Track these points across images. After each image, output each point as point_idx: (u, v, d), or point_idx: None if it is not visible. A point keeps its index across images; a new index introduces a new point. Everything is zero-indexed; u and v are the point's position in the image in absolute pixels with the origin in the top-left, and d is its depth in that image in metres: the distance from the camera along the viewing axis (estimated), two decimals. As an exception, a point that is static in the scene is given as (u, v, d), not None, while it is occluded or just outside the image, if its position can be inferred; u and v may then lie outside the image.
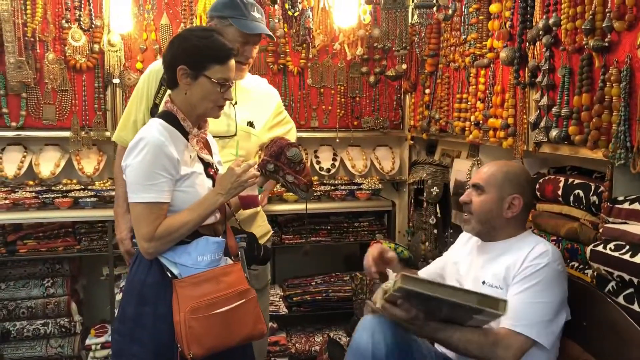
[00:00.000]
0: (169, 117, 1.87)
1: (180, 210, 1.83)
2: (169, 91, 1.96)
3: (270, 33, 2.38)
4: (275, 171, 2.19)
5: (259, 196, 2.49)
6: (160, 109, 2.09)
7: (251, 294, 1.88)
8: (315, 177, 3.60)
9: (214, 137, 2.28)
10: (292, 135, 2.64)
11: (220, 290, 1.80)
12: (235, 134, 2.34)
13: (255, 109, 2.43)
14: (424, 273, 2.15)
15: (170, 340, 1.77)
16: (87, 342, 3.18)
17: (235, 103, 2.34)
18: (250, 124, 2.39)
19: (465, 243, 2.09)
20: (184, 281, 1.79)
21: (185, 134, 1.88)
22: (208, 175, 1.93)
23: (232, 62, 1.88)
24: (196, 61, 1.83)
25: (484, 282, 1.85)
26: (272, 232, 2.63)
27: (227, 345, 1.80)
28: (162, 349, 1.79)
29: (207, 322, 1.76)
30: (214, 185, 1.92)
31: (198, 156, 1.92)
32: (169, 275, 1.81)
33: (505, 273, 1.80)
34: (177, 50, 1.85)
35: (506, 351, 1.68)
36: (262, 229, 2.52)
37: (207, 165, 1.94)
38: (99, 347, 3.16)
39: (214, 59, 1.83)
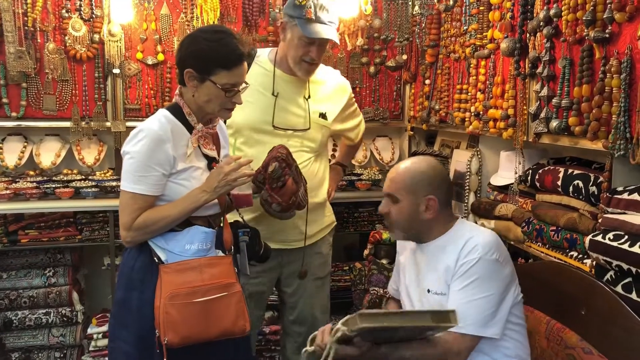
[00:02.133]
0: (176, 110, 1.88)
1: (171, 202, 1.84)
2: None
3: (334, 38, 2.32)
4: (263, 183, 2.12)
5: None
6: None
7: (235, 288, 1.85)
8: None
9: (289, 130, 2.35)
10: (362, 127, 2.72)
11: (203, 280, 1.79)
12: (309, 128, 2.39)
13: (328, 100, 2.48)
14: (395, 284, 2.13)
15: (154, 325, 1.77)
16: (89, 331, 3.20)
17: (309, 97, 2.39)
18: (323, 116, 2.44)
19: (404, 244, 2.05)
20: (169, 267, 1.80)
21: (191, 128, 1.88)
22: (211, 170, 1.92)
23: (242, 67, 1.86)
24: (202, 65, 1.82)
25: (429, 291, 1.84)
26: (335, 223, 2.67)
27: (203, 336, 1.78)
28: (146, 333, 1.79)
29: (185, 310, 1.75)
30: None
31: (201, 151, 1.92)
32: (156, 260, 1.82)
33: (446, 277, 1.79)
34: (185, 53, 1.85)
35: (458, 356, 1.71)
36: (328, 219, 2.61)
37: (211, 160, 1.94)
38: (100, 336, 3.17)
39: (220, 64, 1.82)
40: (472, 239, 1.79)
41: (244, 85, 1.90)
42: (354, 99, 2.66)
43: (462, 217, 1.96)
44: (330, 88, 2.50)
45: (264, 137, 2.34)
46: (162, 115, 1.85)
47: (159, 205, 1.84)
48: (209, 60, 1.82)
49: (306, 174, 2.30)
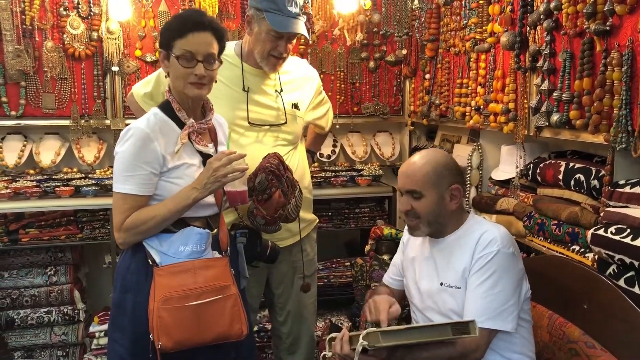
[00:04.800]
0: (167, 107, 1.85)
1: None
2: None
3: (304, 32, 2.26)
4: (252, 192, 2.03)
5: None
6: None
7: (230, 291, 1.79)
8: (316, 164, 3.60)
9: (265, 125, 2.30)
10: (330, 115, 2.67)
11: (196, 283, 1.75)
12: (285, 122, 2.35)
13: (299, 90, 2.44)
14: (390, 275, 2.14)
15: (148, 328, 1.73)
16: (91, 329, 3.20)
17: (281, 91, 2.35)
18: (295, 106, 2.40)
19: (415, 238, 2.03)
20: (162, 269, 1.76)
21: (182, 124, 1.84)
22: None
23: (200, 35, 1.78)
24: (164, 40, 1.82)
25: (442, 284, 1.83)
26: (318, 220, 2.63)
27: (197, 341, 1.74)
28: (140, 336, 1.75)
29: (178, 314, 1.71)
30: None
31: (194, 148, 1.88)
32: (151, 262, 1.78)
33: (462, 271, 1.79)
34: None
35: (476, 352, 1.70)
36: (311, 215, 2.55)
37: (206, 157, 1.89)
38: (102, 334, 3.16)
39: (175, 34, 1.79)
40: (487, 232, 1.79)
41: (202, 56, 1.79)
42: (322, 87, 2.61)
43: (471, 211, 1.94)
44: (299, 78, 2.46)
45: (240, 133, 2.29)
46: (152, 114, 1.83)
47: (147, 207, 1.80)
48: (168, 33, 1.81)
49: None
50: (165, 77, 1.87)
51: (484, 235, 1.78)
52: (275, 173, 2.02)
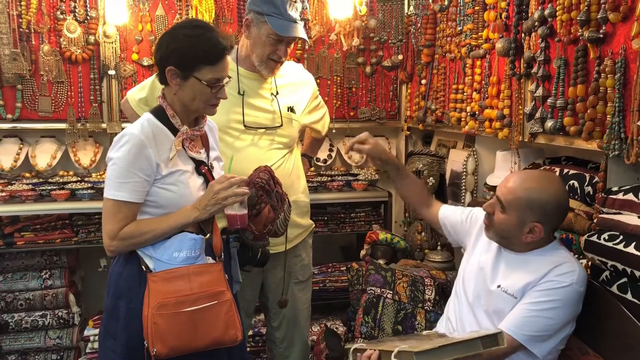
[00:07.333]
0: (160, 113, 1.84)
1: (162, 208, 1.81)
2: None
3: (304, 36, 2.29)
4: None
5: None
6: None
7: (225, 296, 1.79)
8: (312, 168, 3.60)
9: (260, 128, 2.31)
10: (327, 119, 2.69)
11: (191, 289, 1.74)
12: (281, 125, 2.36)
13: (295, 94, 2.46)
14: (456, 213, 2.20)
15: (142, 335, 1.73)
16: (86, 333, 3.19)
17: (277, 94, 2.36)
18: (291, 109, 2.41)
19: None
20: (156, 276, 1.75)
21: (176, 131, 1.84)
22: (200, 173, 1.89)
23: (225, 60, 1.82)
24: (185, 62, 1.78)
25: (499, 286, 1.84)
26: (314, 225, 2.64)
27: (192, 347, 1.73)
28: (134, 343, 1.75)
29: (173, 320, 1.71)
30: (206, 182, 1.89)
31: (187, 154, 1.88)
32: (144, 269, 1.78)
33: (525, 285, 1.78)
34: (166, 51, 1.80)
35: (499, 358, 1.73)
36: (307, 220, 2.56)
37: (199, 163, 1.89)
38: (97, 338, 3.15)
39: (203, 60, 1.77)
40: (569, 263, 1.78)
41: (226, 80, 1.86)
42: (318, 92, 2.63)
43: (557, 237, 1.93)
44: (295, 81, 2.47)
45: (235, 136, 2.30)
46: (145, 120, 1.82)
47: (148, 218, 1.80)
48: (192, 57, 1.77)
49: (281, 173, 2.24)
50: (174, 94, 1.83)
51: (565, 264, 1.77)
52: (265, 188, 2.00)
